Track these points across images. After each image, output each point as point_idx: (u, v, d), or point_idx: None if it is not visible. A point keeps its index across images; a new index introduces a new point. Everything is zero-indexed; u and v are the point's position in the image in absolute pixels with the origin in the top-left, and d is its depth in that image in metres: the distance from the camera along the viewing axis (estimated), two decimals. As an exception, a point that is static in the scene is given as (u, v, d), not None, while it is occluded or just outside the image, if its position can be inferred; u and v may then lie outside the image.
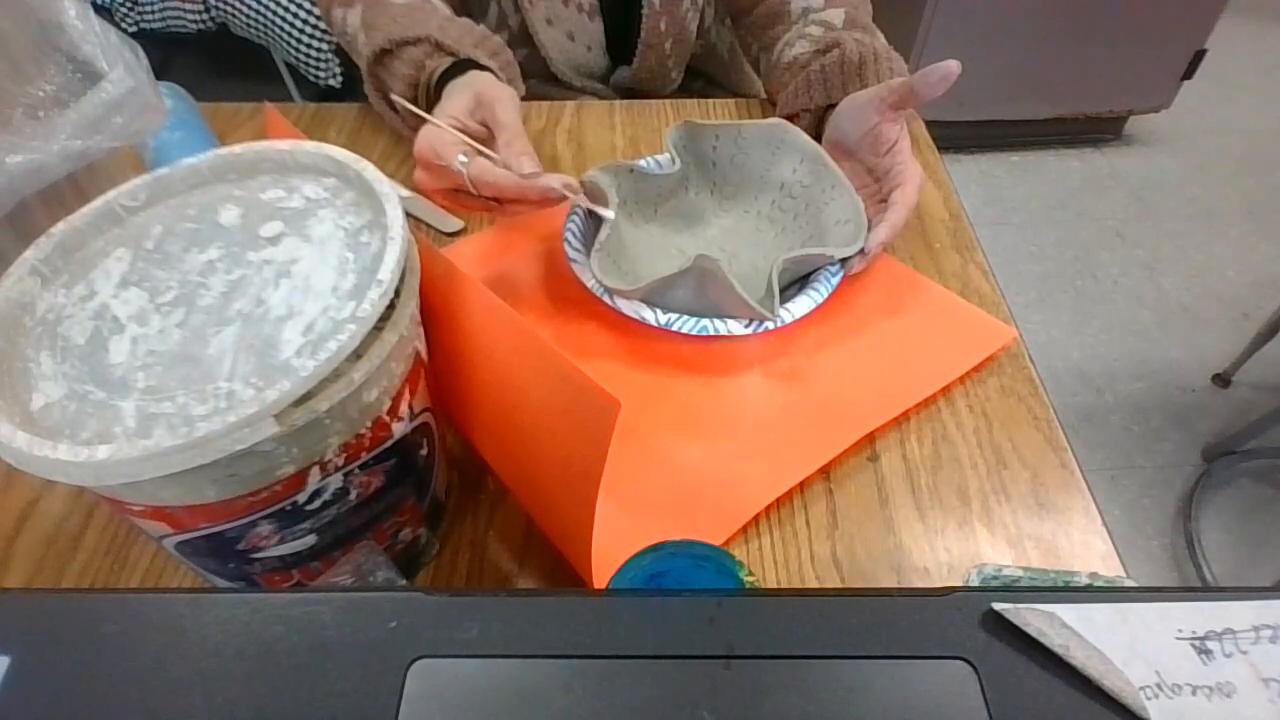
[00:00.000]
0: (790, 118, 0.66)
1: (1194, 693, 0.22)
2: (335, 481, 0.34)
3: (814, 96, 0.65)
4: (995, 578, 0.39)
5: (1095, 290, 1.81)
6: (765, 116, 0.67)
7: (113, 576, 0.44)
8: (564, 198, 0.53)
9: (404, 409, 0.36)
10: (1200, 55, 1.95)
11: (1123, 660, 0.22)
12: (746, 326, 0.52)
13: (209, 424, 0.27)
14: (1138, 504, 1.43)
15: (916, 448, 0.50)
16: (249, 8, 1.38)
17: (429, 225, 0.66)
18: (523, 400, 0.38)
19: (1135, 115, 2.14)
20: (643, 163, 0.61)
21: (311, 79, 1.44)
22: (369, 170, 0.37)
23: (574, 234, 0.58)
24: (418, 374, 0.37)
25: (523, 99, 0.61)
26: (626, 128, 0.76)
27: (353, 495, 0.35)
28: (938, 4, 1.78)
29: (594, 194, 0.56)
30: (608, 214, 0.53)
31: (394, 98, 0.62)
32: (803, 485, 0.47)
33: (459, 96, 0.57)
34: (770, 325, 0.51)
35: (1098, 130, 2.18)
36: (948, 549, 0.45)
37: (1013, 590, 0.24)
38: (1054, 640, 0.22)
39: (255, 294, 0.33)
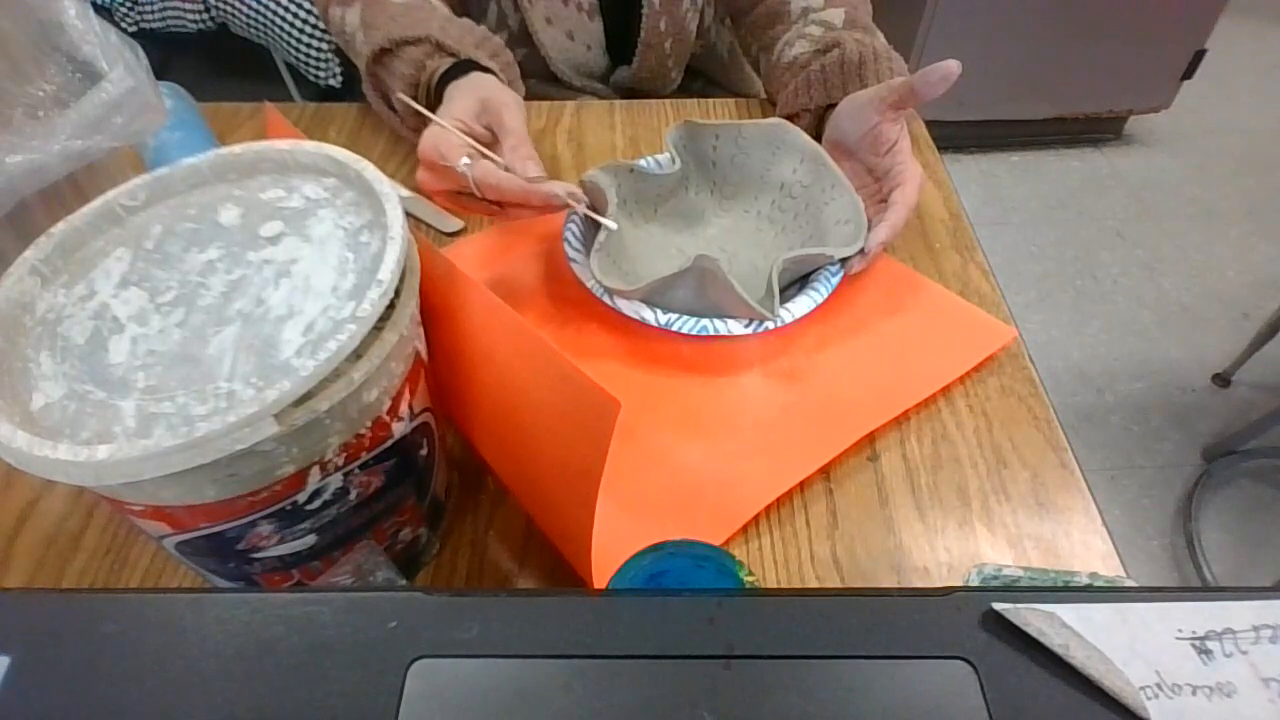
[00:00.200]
0: (790, 118, 0.66)
1: (1194, 693, 0.22)
2: (335, 481, 0.34)
3: (814, 96, 0.65)
4: (995, 578, 0.39)
5: (1095, 290, 1.81)
6: (765, 116, 0.67)
7: (113, 576, 0.44)
8: (567, 205, 0.53)
9: (404, 409, 0.36)
10: (1200, 55, 1.95)
11: (1123, 660, 0.22)
12: (746, 326, 0.52)
13: (209, 424, 0.27)
14: (1138, 504, 1.43)
15: (916, 448, 0.50)
16: (249, 8, 1.38)
17: (429, 225, 0.66)
18: (523, 400, 0.38)
19: (1135, 115, 2.14)
20: (643, 163, 0.61)
21: (311, 79, 1.44)
22: (369, 170, 0.37)
23: (574, 234, 0.58)
24: (418, 374, 0.37)
25: (523, 99, 0.61)
26: (626, 128, 0.76)
27: (353, 495, 0.35)
28: (938, 4, 1.78)
29: (594, 195, 0.56)
30: (611, 225, 0.53)
31: (399, 96, 0.62)
32: (803, 485, 0.47)
33: (464, 99, 0.57)
34: (770, 325, 0.51)
35: (1098, 130, 2.18)
36: (948, 549, 0.45)
37: (1013, 590, 0.24)
38: (1054, 640, 0.22)
39: (255, 294, 0.33)
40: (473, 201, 0.55)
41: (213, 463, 0.28)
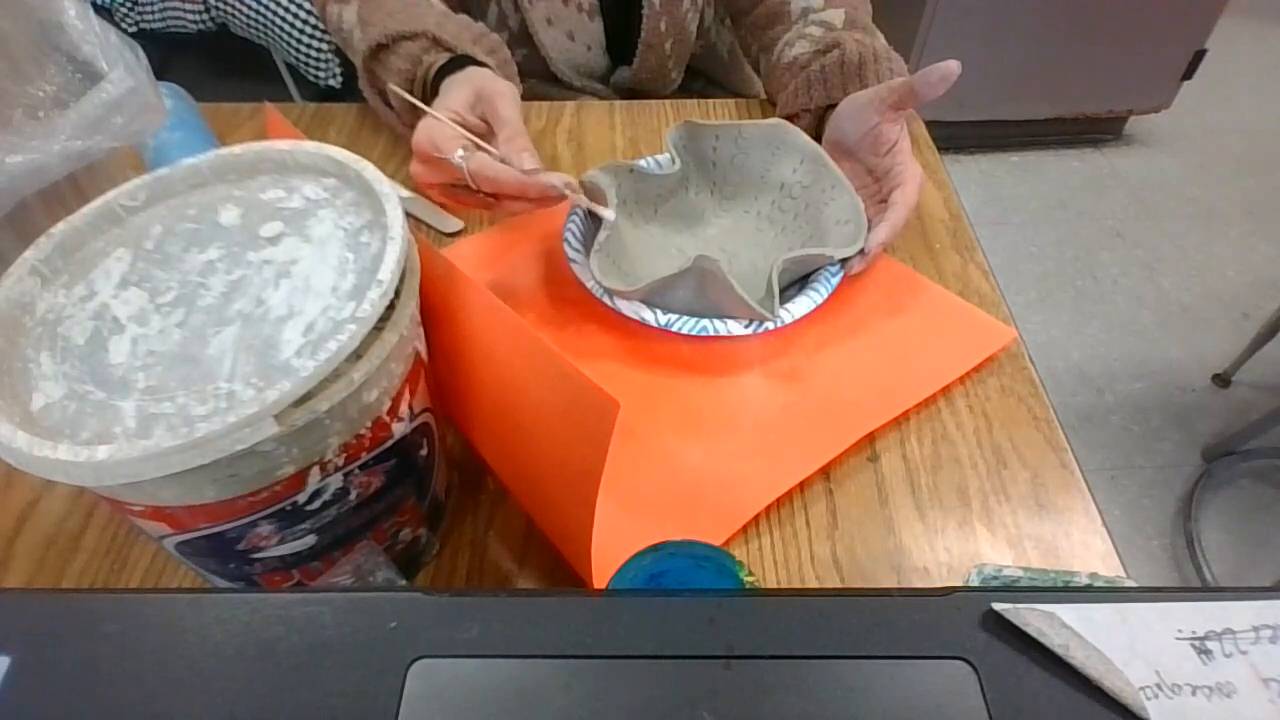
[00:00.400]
0: (790, 118, 0.66)
1: (1194, 693, 0.22)
2: (335, 481, 0.34)
3: (814, 96, 0.65)
4: (995, 578, 0.39)
5: (1095, 290, 1.81)
6: (765, 116, 0.67)
7: (113, 576, 0.44)
8: (563, 197, 0.52)
9: (404, 409, 0.36)
10: (1200, 55, 1.95)
11: (1123, 660, 0.22)
12: (746, 327, 0.52)
13: (209, 424, 0.27)
14: (1138, 504, 1.43)
15: (916, 448, 0.50)
16: (249, 8, 1.38)
17: (429, 225, 0.66)
18: (523, 400, 0.38)
19: (1135, 115, 2.14)
20: (643, 163, 0.61)
21: (311, 79, 1.44)
22: (369, 170, 0.37)
23: (574, 234, 0.58)
24: (418, 374, 0.37)
25: (523, 99, 0.60)
26: (626, 128, 0.76)
27: (353, 495, 0.35)
28: (938, 4, 1.78)
29: (594, 194, 0.56)
30: (608, 214, 0.53)
31: (392, 88, 0.61)
32: (803, 485, 0.47)
33: (459, 91, 0.57)
34: (770, 325, 0.51)
35: (1098, 130, 2.18)
36: (948, 549, 0.45)
37: (1013, 590, 0.24)
38: (1054, 640, 0.22)
39: (255, 294, 0.33)
40: (468, 194, 0.55)
41: (213, 463, 0.28)
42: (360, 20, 0.66)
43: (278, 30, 1.39)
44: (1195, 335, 1.70)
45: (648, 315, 0.52)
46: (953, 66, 0.52)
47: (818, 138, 0.62)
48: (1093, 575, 0.38)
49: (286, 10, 1.37)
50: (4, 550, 0.45)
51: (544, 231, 0.63)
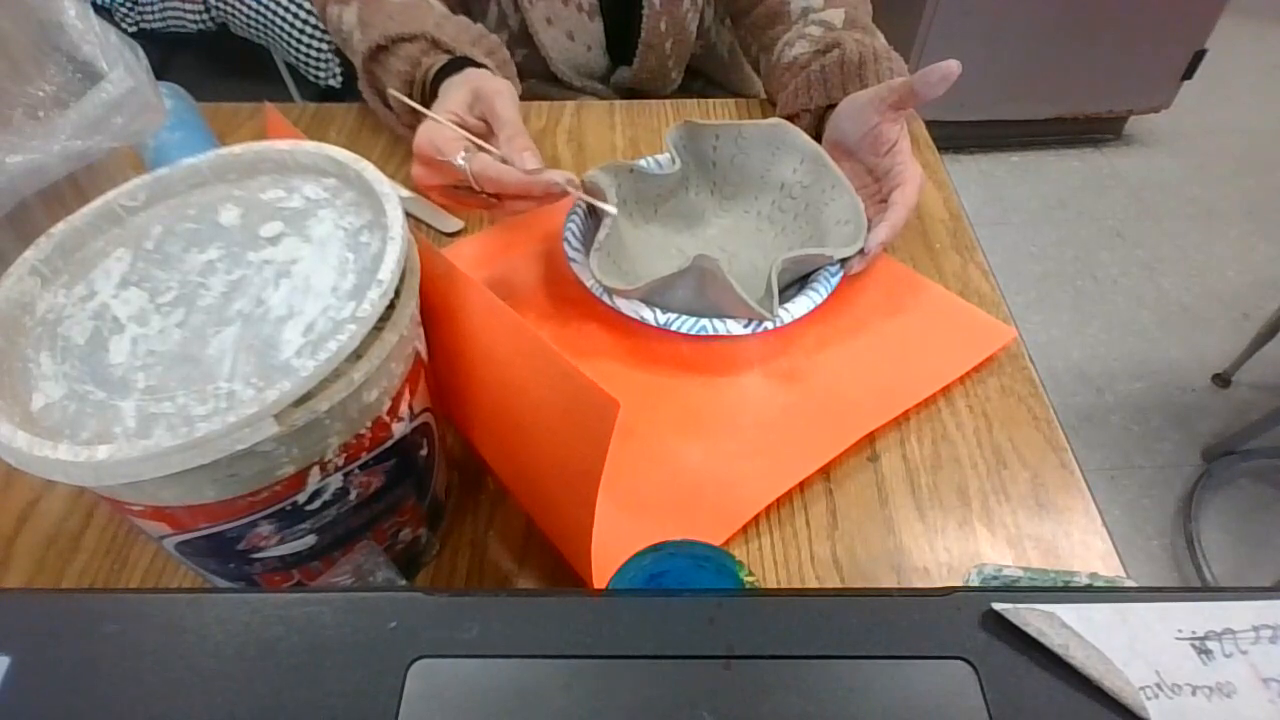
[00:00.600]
0: (790, 118, 0.66)
1: (1194, 693, 0.22)
2: (335, 481, 0.34)
3: (814, 96, 0.65)
4: (995, 578, 0.39)
5: (1095, 290, 1.81)
6: (765, 116, 0.67)
7: (113, 576, 0.44)
8: (566, 193, 0.52)
9: (404, 409, 0.36)
10: (1200, 55, 1.95)
11: (1123, 660, 0.22)
12: (746, 326, 0.52)
13: (209, 424, 0.27)
14: (1138, 504, 1.43)
15: (916, 448, 0.50)
16: (249, 8, 1.38)
17: (429, 225, 0.66)
18: (523, 400, 0.38)
19: (1135, 115, 2.14)
20: (643, 163, 0.61)
21: (311, 79, 1.45)
22: (369, 170, 0.37)
23: (574, 234, 0.58)
24: (418, 374, 0.37)
25: (522, 99, 0.61)
26: (626, 128, 0.76)
27: (353, 495, 0.35)
28: (938, 4, 1.78)
29: (595, 195, 0.56)
30: (609, 209, 0.53)
31: (392, 93, 0.62)
32: (803, 485, 0.47)
33: (457, 92, 0.57)
34: (770, 325, 0.51)
35: (1098, 130, 2.18)
36: (948, 549, 0.45)
37: (1013, 590, 0.24)
38: (1054, 640, 0.22)
39: (255, 294, 0.33)
40: (470, 195, 0.55)
41: (213, 463, 0.28)
42: (360, 21, 0.66)
43: (278, 30, 1.39)
44: (1195, 335, 1.70)
45: (647, 315, 0.52)
46: (953, 66, 0.52)
47: (818, 138, 0.62)
48: (1093, 575, 0.38)
49: (286, 10, 1.37)
50: (4, 550, 0.45)
51: (544, 231, 0.63)
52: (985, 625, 0.23)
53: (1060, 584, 0.38)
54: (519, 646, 0.23)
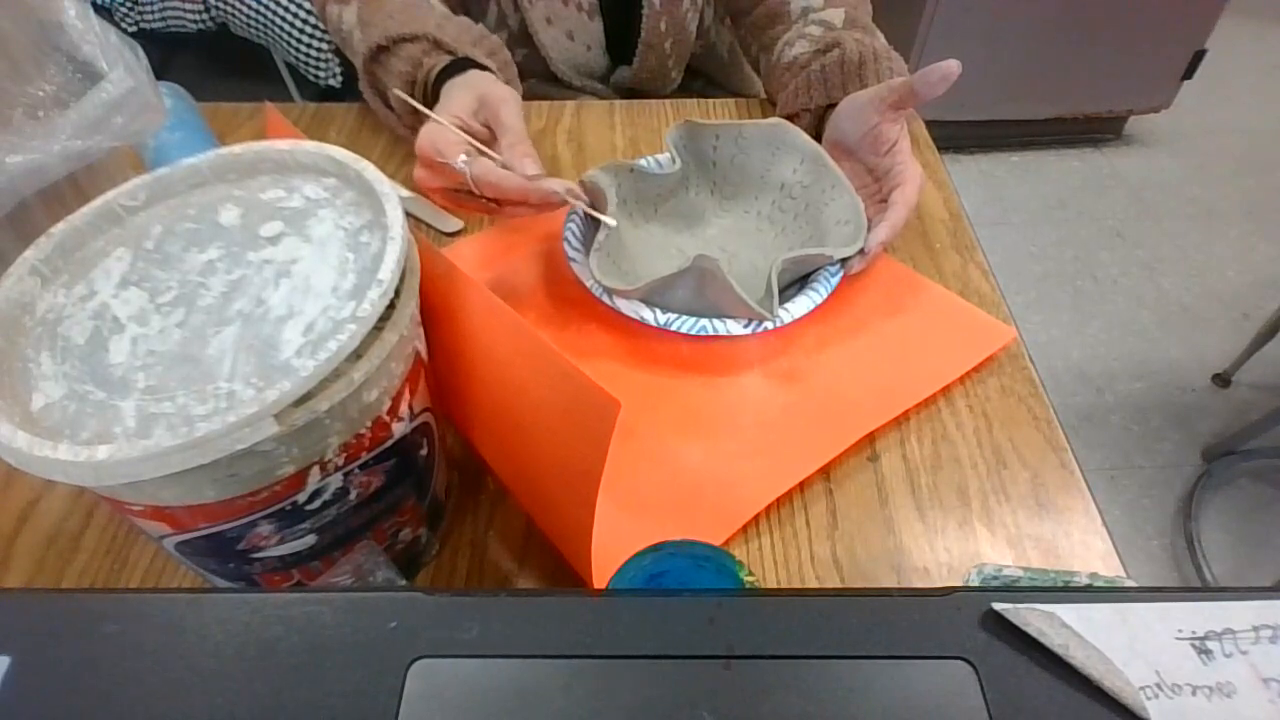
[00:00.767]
0: (790, 118, 0.66)
1: (1194, 693, 0.22)
2: (335, 481, 0.34)
3: (814, 96, 0.65)
4: (995, 578, 0.39)
5: (1095, 290, 1.81)
6: (765, 116, 0.67)
7: (113, 576, 0.44)
8: (565, 202, 0.53)
9: (404, 409, 0.36)
10: (1200, 55, 1.95)
11: (1123, 660, 0.22)
12: (746, 326, 0.52)
13: (209, 424, 0.27)
14: (1138, 504, 1.43)
15: (916, 448, 0.50)
16: (249, 8, 1.38)
17: (429, 225, 0.66)
18: (523, 400, 0.38)
19: (1135, 115, 2.14)
20: (643, 162, 0.61)
21: (311, 79, 1.45)
22: (369, 170, 0.37)
23: (574, 234, 0.58)
24: (418, 374, 0.37)
25: (523, 99, 0.60)
26: (626, 128, 0.76)
27: (353, 495, 0.35)
28: (938, 4, 1.78)
29: (594, 194, 0.56)
30: (610, 221, 0.53)
31: (395, 93, 0.62)
32: (803, 485, 0.47)
33: (462, 96, 0.57)
34: (769, 325, 0.51)
35: (1098, 130, 2.18)
36: (948, 549, 0.45)
37: (1013, 590, 0.24)
38: (1054, 640, 0.22)
39: (255, 294, 0.33)
40: (470, 199, 0.55)
41: (213, 463, 0.28)
42: (360, 21, 0.66)
43: (278, 30, 1.39)
44: (1195, 335, 1.70)
45: (647, 315, 0.52)
46: (953, 66, 0.52)
47: (818, 137, 0.62)
48: (1093, 575, 0.38)
49: (286, 10, 1.37)
50: (4, 550, 0.45)
51: (544, 231, 0.63)
52: (985, 625, 0.23)
53: (1060, 584, 0.38)
54: (519, 646, 0.23)
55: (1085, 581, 0.38)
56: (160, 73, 0.53)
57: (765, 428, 0.50)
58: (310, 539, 0.35)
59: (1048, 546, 0.45)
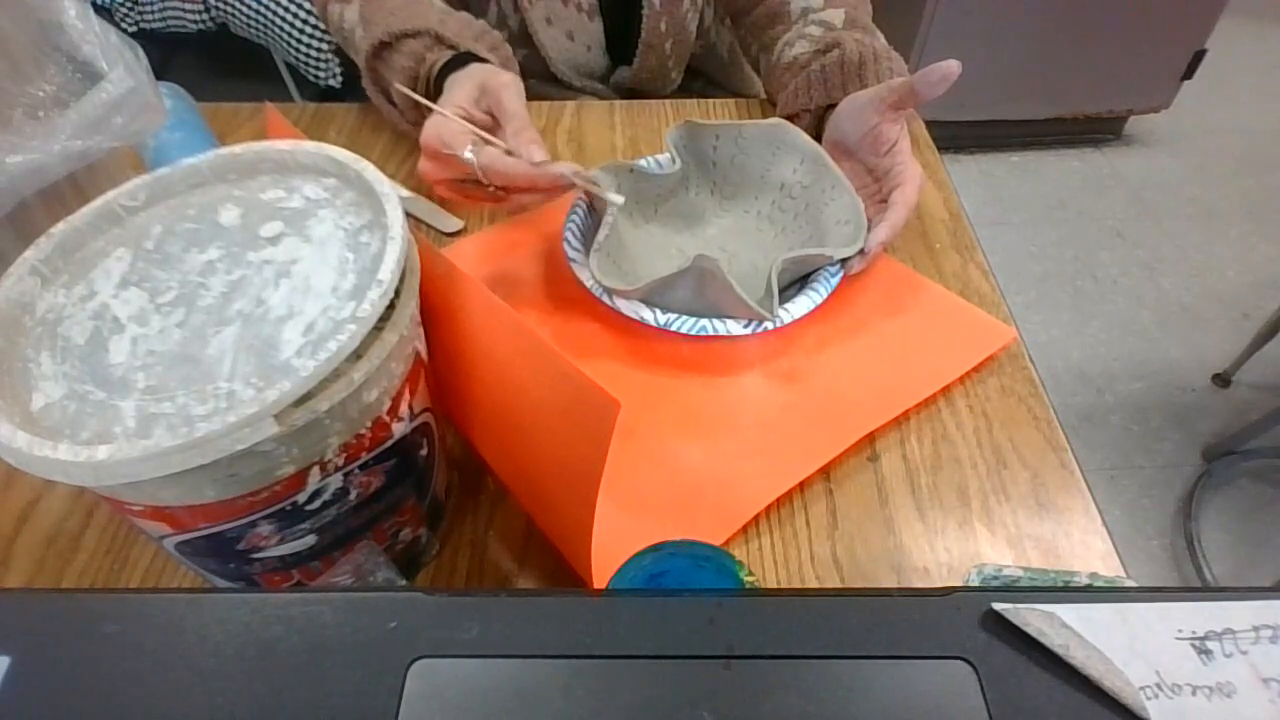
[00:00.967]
0: (790, 118, 0.66)
1: (1194, 693, 0.22)
2: (335, 481, 0.34)
3: (814, 96, 0.65)
4: (995, 578, 0.39)
5: (1095, 290, 1.81)
6: (765, 116, 0.67)
7: (113, 576, 0.44)
8: (573, 185, 0.52)
9: (404, 409, 0.36)
10: (1200, 55, 1.95)
11: (1123, 660, 0.22)
12: (746, 326, 0.52)
13: (209, 424, 0.27)
14: (1138, 504, 1.43)
15: (916, 448, 0.50)
16: (249, 8, 1.38)
17: (429, 225, 0.66)
18: (523, 400, 0.38)
19: (1135, 115, 2.14)
20: (643, 163, 0.61)
21: (311, 79, 1.44)
22: (369, 170, 0.37)
23: (574, 234, 0.58)
24: (418, 374, 0.37)
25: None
26: (626, 128, 0.76)
27: (353, 495, 0.35)
28: (938, 4, 1.78)
29: (595, 194, 0.56)
30: (616, 199, 0.52)
31: (397, 87, 0.62)
32: (803, 485, 0.47)
33: (463, 86, 0.57)
34: (769, 325, 0.51)
35: (1098, 130, 2.19)
36: (948, 549, 0.45)
37: (1013, 590, 0.24)
38: (1054, 640, 0.22)
39: (255, 294, 0.33)
40: (476, 189, 0.55)
41: (213, 463, 0.28)
42: (362, 19, 0.66)
43: (278, 30, 1.39)
44: (1195, 335, 1.70)
45: (647, 315, 0.52)
46: (953, 66, 0.52)
47: (818, 138, 0.62)
48: (1093, 575, 0.38)
49: (286, 10, 1.37)
50: (4, 550, 0.45)
51: (544, 231, 0.63)
52: (985, 625, 0.23)
53: (1060, 584, 0.38)
54: (519, 646, 0.23)
55: (1085, 581, 0.38)
56: (160, 73, 0.53)
57: (765, 428, 0.50)
58: (310, 539, 0.35)
59: (1048, 546, 0.45)
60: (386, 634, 0.23)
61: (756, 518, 0.46)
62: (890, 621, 0.23)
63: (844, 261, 0.55)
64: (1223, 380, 1.60)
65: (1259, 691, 0.22)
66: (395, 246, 0.33)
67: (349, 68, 1.40)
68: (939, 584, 0.44)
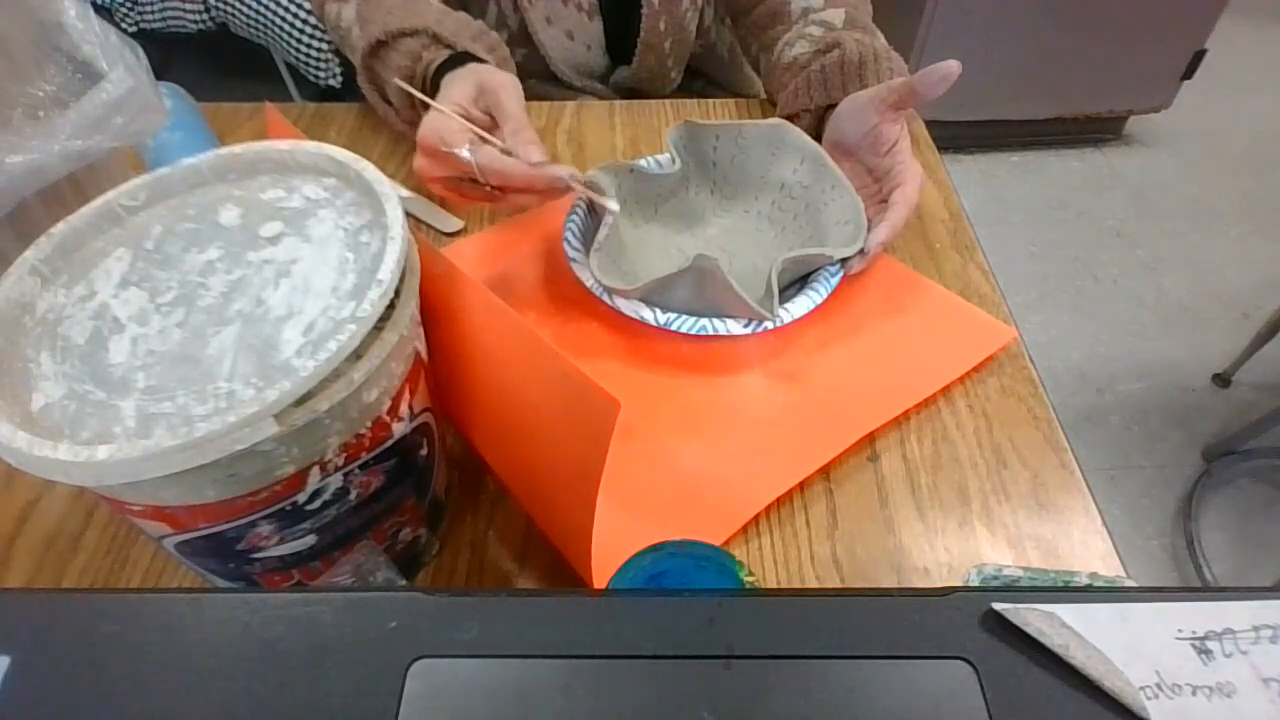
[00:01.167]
0: (790, 118, 0.66)
1: (1194, 693, 0.22)
2: (335, 481, 0.34)
3: (814, 96, 0.65)
4: (995, 578, 0.39)
5: (1095, 290, 1.81)
6: (765, 116, 0.67)
7: (113, 576, 0.44)
8: (570, 188, 0.52)
9: (404, 409, 0.36)
10: (1200, 55, 1.95)
11: (1123, 660, 0.22)
12: (746, 326, 0.52)
13: (209, 424, 0.27)
14: (1138, 504, 1.43)
15: (916, 448, 0.50)
16: (249, 8, 1.38)
17: (429, 225, 0.66)
18: (523, 400, 0.38)
19: (1135, 115, 2.14)
20: (643, 163, 0.61)
21: (311, 79, 1.45)
22: (369, 170, 0.37)
23: (574, 234, 0.58)
24: (418, 374, 0.37)
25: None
26: (626, 128, 0.76)
27: (353, 495, 0.35)
28: (938, 4, 1.78)
29: (596, 192, 0.55)
30: (612, 205, 0.53)
31: (395, 82, 0.61)
32: (803, 485, 0.47)
33: (462, 84, 0.57)
34: (770, 325, 0.51)
35: (1098, 130, 2.19)
36: (948, 549, 0.45)
37: (1013, 590, 0.24)
38: (1054, 640, 0.22)
39: (255, 294, 0.33)
40: (473, 189, 0.55)
41: (213, 463, 0.28)
42: (359, 17, 0.66)
43: (278, 30, 1.39)
44: (1195, 335, 1.70)
45: (647, 314, 0.52)
46: (953, 66, 0.52)
47: (818, 138, 0.62)
48: (1093, 575, 0.38)
49: (286, 10, 1.37)
50: (4, 550, 0.45)
51: (544, 231, 0.63)
52: (985, 625, 0.23)
53: (1060, 584, 0.38)
54: (519, 646, 0.23)
55: (1085, 581, 0.38)
56: (160, 73, 0.53)
57: (765, 428, 0.50)
58: (310, 539, 0.35)
59: (1048, 546, 0.45)
60: (386, 634, 0.23)
61: (756, 518, 0.46)
62: (890, 621, 0.23)
63: (844, 261, 0.55)
64: (1223, 380, 1.60)
65: (1259, 691, 0.22)
66: (395, 246, 0.33)
67: (349, 68, 1.40)
68: (939, 584, 0.44)
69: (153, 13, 1.41)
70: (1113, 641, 0.22)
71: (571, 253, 0.56)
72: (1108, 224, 1.98)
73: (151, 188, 0.38)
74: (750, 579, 0.33)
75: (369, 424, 0.34)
